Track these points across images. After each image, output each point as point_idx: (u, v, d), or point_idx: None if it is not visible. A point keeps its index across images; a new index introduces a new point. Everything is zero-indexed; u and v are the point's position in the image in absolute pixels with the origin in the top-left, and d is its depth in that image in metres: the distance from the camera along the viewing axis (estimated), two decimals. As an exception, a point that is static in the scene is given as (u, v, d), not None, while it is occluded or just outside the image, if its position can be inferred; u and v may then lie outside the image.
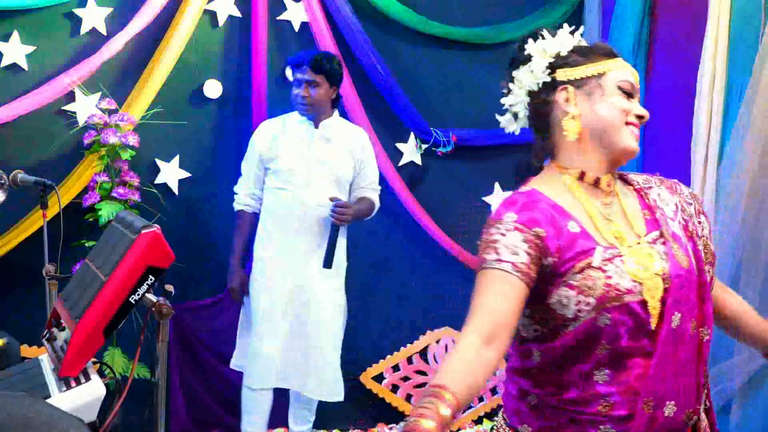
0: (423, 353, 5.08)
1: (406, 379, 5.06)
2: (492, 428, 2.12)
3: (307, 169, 4.14)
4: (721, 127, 3.79)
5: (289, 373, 4.17)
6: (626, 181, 2.11)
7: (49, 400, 2.24)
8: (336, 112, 4.28)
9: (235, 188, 4.34)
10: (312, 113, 4.16)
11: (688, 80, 3.97)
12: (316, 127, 4.20)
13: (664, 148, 4.40)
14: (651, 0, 4.51)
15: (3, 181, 3.83)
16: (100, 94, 4.46)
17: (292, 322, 4.14)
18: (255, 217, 4.30)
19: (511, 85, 2.14)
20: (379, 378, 5.03)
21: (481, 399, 5.18)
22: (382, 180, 4.85)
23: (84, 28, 4.46)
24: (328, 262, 4.06)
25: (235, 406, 4.31)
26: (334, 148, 4.20)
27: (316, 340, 4.16)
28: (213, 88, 4.68)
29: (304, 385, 4.20)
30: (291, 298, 4.13)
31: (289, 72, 4.73)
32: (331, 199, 4.06)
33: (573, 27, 2.06)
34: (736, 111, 3.66)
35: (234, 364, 4.36)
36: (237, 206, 4.33)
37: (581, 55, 2.02)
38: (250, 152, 4.27)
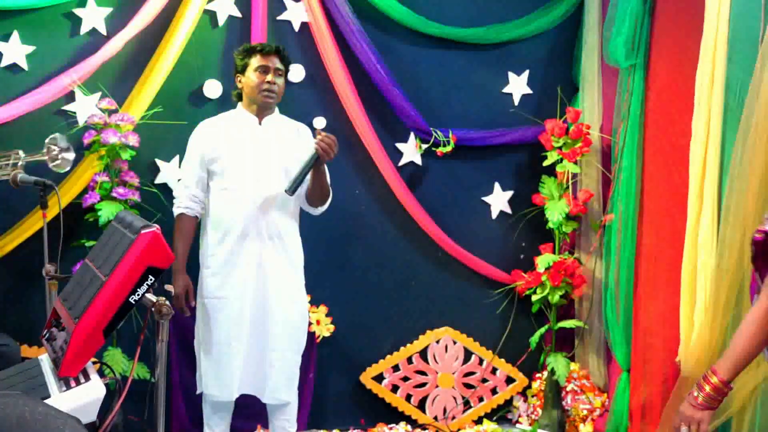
0: (423, 353, 5.08)
1: (406, 379, 5.05)
2: None
3: (254, 167, 4.02)
4: (721, 127, 3.78)
5: (249, 380, 4.07)
6: None
7: (48, 400, 2.24)
8: (277, 109, 4.20)
9: (175, 192, 4.21)
10: (273, 104, 4.08)
11: (688, 80, 3.97)
12: (260, 123, 4.10)
13: (663, 148, 4.40)
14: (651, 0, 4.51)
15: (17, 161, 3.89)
16: (100, 94, 4.46)
17: (253, 327, 4.02)
18: (196, 220, 4.17)
19: None
20: (379, 378, 5.03)
21: (481, 399, 5.18)
22: (383, 180, 4.87)
23: (84, 28, 4.46)
24: (292, 188, 3.86)
25: (235, 406, 4.30)
26: (280, 144, 4.09)
27: (277, 343, 4.05)
28: (213, 88, 4.68)
29: (261, 392, 4.09)
30: (249, 304, 4.01)
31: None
32: (318, 131, 3.91)
33: None
34: (735, 110, 3.66)
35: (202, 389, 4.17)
36: (177, 210, 4.13)
37: None
38: (191, 153, 4.12)
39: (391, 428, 4.97)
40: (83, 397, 2.34)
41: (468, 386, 5.16)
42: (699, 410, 2.55)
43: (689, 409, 2.57)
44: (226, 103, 4.70)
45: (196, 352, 4.17)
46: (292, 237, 4.12)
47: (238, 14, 4.68)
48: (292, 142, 4.13)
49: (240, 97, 4.17)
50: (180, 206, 4.12)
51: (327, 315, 4.86)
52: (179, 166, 4.62)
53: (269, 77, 4.03)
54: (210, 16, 4.66)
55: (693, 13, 4.01)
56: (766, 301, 2.49)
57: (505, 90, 5.14)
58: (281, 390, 4.09)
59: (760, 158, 3.42)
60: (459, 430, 5.08)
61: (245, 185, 4.01)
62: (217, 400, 4.10)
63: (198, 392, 4.18)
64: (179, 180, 4.23)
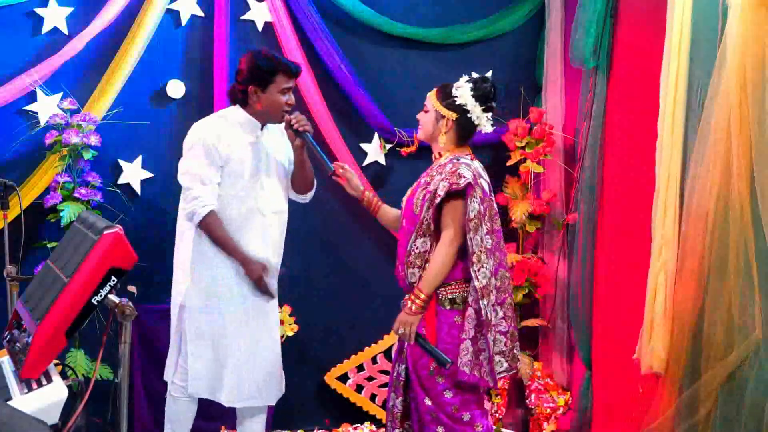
0: (387, 353, 5.08)
1: (370, 379, 5.06)
2: None
3: (259, 171, 3.93)
4: (684, 127, 3.82)
5: (250, 387, 4.04)
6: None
7: (10, 402, 2.22)
8: None
9: (196, 191, 3.81)
10: None
11: (649, 80, 4.01)
12: (262, 129, 3.97)
13: (626, 148, 4.45)
14: (614, 1, 4.54)
15: None
16: (61, 93, 4.43)
17: (249, 327, 4.00)
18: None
19: None
20: (343, 378, 5.03)
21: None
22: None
23: (45, 27, 4.42)
24: (329, 164, 3.95)
25: (199, 407, 4.28)
26: (278, 148, 4.03)
27: (268, 349, 4.08)
28: (176, 88, 4.66)
29: (264, 395, 4.10)
30: (250, 306, 3.98)
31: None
32: (287, 118, 3.90)
33: None
34: (696, 110, 3.71)
35: (174, 381, 4.07)
36: (204, 209, 3.79)
37: None
38: (206, 149, 3.82)
39: (355, 428, 4.98)
40: (45, 399, 2.32)
41: (432, 385, 5.17)
42: (413, 316, 3.54)
43: (405, 316, 3.55)
44: (188, 103, 4.68)
45: (174, 349, 4.05)
46: (282, 239, 4.13)
47: (201, 14, 4.67)
48: (285, 144, 4.04)
49: (242, 102, 3.94)
50: (208, 204, 3.80)
51: (290, 315, 4.86)
52: (142, 166, 4.60)
53: (290, 98, 3.91)
54: (173, 15, 4.64)
55: (654, 15, 4.05)
56: (448, 240, 3.48)
57: (469, 90, 5.16)
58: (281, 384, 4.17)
59: (719, 158, 3.47)
60: (423, 429, 5.09)
61: (251, 191, 3.91)
62: (184, 399, 4.07)
63: (166, 381, 4.14)
64: (189, 176, 3.87)
